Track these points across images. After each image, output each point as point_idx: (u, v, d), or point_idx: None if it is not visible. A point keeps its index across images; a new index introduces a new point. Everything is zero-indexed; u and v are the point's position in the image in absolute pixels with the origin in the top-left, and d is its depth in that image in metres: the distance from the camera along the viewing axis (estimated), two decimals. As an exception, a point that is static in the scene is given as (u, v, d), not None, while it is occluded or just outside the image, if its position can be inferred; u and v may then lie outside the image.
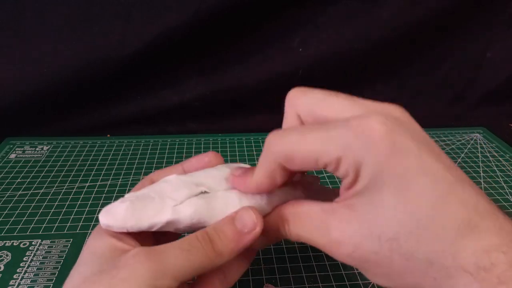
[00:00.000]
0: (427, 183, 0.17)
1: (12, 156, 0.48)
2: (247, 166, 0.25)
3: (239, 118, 0.58)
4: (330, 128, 0.19)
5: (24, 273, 0.32)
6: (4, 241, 0.35)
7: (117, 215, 0.20)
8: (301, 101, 0.22)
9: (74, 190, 0.42)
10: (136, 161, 0.48)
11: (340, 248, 0.19)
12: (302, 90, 0.22)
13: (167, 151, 0.50)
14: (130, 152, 0.50)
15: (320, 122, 0.21)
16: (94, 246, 0.20)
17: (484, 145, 0.54)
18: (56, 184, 0.43)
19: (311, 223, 0.20)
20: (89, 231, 0.36)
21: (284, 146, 0.20)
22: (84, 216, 0.38)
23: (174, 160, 0.49)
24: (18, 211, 0.38)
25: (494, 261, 0.16)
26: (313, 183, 0.27)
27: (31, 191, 0.42)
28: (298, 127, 0.21)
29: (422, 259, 0.17)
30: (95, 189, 0.42)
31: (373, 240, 0.18)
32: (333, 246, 0.19)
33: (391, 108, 0.20)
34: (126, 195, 0.22)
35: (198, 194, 0.22)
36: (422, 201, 0.17)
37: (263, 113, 0.58)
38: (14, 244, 0.35)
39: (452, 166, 0.18)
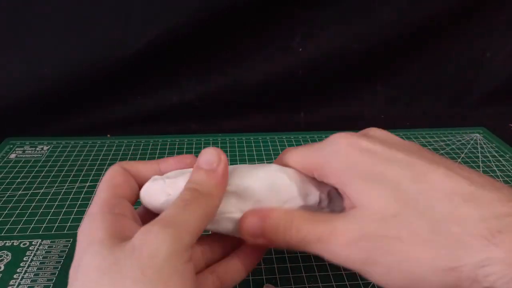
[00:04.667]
0: (397, 168, 0.20)
1: (12, 156, 0.48)
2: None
3: (239, 118, 0.58)
4: (315, 147, 0.24)
5: (24, 273, 0.32)
6: (4, 241, 0.35)
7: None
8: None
9: (74, 190, 0.42)
10: (136, 161, 0.48)
11: (343, 236, 0.20)
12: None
13: (167, 151, 0.50)
14: (130, 152, 0.50)
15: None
16: (92, 235, 0.19)
17: (484, 145, 0.54)
18: (56, 184, 0.43)
19: (317, 218, 0.22)
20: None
21: (290, 162, 0.25)
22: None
23: (174, 160, 0.49)
24: (18, 211, 0.38)
25: (507, 223, 0.16)
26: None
27: (31, 191, 0.42)
28: (302, 146, 0.26)
29: (428, 230, 0.18)
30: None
31: (379, 223, 0.19)
32: (333, 235, 0.20)
33: (371, 129, 0.24)
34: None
35: None
36: (399, 179, 0.19)
37: (263, 113, 0.58)
38: (14, 244, 0.35)
39: (433, 159, 0.20)
